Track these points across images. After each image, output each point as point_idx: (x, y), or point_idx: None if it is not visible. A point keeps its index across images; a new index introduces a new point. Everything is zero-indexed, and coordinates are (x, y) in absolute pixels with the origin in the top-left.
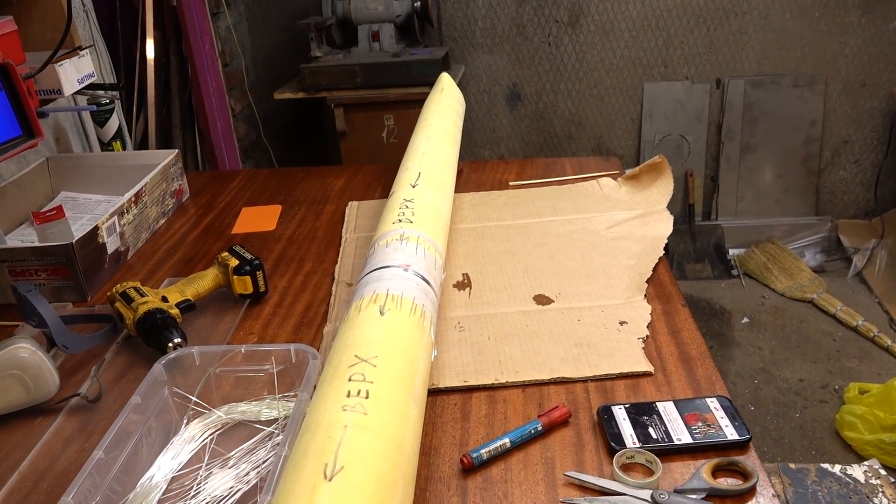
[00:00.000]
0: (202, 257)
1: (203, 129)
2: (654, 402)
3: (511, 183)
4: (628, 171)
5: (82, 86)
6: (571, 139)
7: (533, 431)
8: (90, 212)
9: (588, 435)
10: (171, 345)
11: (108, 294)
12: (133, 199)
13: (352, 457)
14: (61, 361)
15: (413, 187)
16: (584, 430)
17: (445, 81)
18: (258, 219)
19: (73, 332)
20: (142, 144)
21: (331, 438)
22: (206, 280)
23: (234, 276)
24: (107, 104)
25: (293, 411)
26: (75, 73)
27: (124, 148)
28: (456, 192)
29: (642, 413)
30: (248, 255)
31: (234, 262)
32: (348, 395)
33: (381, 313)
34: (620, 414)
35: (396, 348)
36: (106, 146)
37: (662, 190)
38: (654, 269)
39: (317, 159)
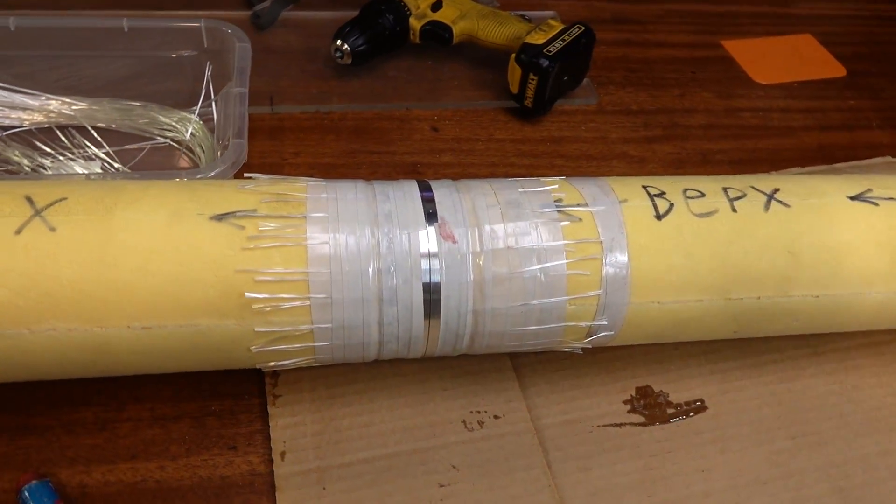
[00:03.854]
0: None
1: None
2: None
3: None
4: None
5: None
6: None
7: None
8: None
9: None
10: (336, 44)
11: None
12: None
13: None
14: None
15: None
16: None
17: None
18: (797, 58)
19: None
20: None
21: None
22: (500, 28)
23: (512, 55)
24: None
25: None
26: None
27: None
28: None
29: None
30: (561, 44)
31: (539, 38)
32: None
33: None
34: None
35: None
36: None
37: None
38: None
39: None
